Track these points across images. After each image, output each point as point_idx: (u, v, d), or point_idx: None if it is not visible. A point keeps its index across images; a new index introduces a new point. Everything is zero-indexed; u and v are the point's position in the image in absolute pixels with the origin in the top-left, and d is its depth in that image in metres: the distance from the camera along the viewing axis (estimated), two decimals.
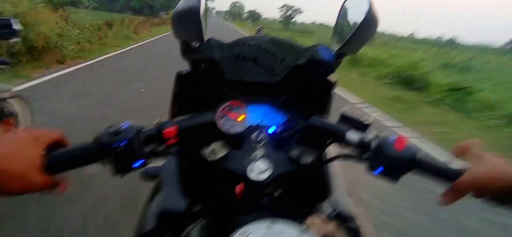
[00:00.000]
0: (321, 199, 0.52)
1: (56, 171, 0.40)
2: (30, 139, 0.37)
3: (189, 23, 0.45)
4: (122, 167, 0.42)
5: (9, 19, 1.47)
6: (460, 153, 0.42)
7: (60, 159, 0.40)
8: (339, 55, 0.51)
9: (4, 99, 1.67)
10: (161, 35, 14.12)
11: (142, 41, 11.05)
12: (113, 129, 0.41)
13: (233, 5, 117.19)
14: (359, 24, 0.43)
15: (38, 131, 0.39)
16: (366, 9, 0.43)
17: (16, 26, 1.47)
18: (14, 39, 1.57)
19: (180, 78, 0.53)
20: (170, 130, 0.43)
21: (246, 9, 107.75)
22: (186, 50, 0.49)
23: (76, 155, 0.42)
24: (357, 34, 0.44)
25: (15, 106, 1.75)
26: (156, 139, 0.44)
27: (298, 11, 70.33)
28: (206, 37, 0.49)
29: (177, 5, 0.45)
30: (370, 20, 0.43)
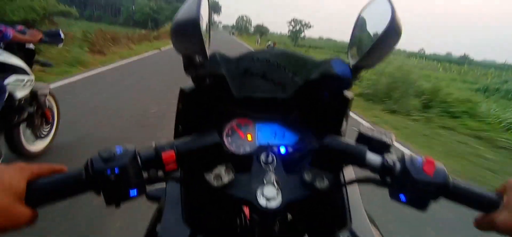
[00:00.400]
0: (339, 228, 0.49)
1: (40, 203, 0.38)
2: (13, 171, 0.37)
3: (189, 36, 0.42)
4: (116, 196, 0.39)
5: (58, 30, 2.29)
6: (503, 189, 0.40)
7: (44, 189, 0.38)
8: (356, 69, 0.49)
9: (45, 95, 2.26)
10: (145, 54, 10.59)
11: (97, 69, 6.48)
12: (105, 154, 0.39)
13: (240, 19, 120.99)
14: (381, 34, 0.41)
15: (21, 164, 0.38)
16: (388, 17, 0.40)
17: (62, 35, 2.27)
18: (61, 45, 2.37)
19: (184, 95, 0.52)
20: (169, 154, 0.41)
21: (253, 23, 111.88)
22: (189, 65, 0.48)
23: (64, 184, 0.39)
24: (378, 46, 0.42)
25: (51, 101, 2.43)
26: (154, 164, 0.41)
27: (307, 25, 71.60)
28: (209, 50, 0.48)
29: (176, 17, 0.43)
30: (393, 29, 0.41)
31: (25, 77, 1.98)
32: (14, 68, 1.89)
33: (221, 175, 0.44)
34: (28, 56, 2.06)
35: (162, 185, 0.57)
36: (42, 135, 2.36)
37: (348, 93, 0.53)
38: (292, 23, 72.63)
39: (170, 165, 0.41)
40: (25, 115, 2.04)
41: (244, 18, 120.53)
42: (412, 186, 0.40)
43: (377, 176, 0.44)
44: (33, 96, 2.12)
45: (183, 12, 0.40)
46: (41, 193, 0.38)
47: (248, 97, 0.53)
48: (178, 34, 0.41)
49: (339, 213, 0.52)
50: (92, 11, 76.52)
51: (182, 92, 0.52)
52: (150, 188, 0.67)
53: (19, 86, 1.93)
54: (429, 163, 0.40)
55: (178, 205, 0.50)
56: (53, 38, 2.22)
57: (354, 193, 0.53)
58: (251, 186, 0.44)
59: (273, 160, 0.49)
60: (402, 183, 0.41)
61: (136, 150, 0.40)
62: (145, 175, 0.40)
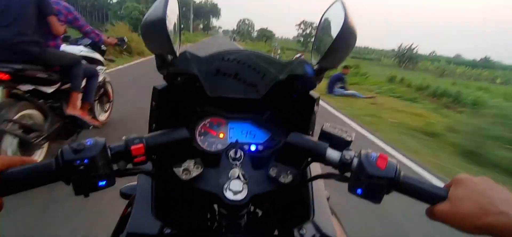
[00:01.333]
0: (302, 221, 0.58)
1: (9, 191, 0.45)
2: None
3: (156, 35, 0.50)
4: (85, 186, 0.46)
5: (124, 37, 3.70)
6: (450, 184, 0.49)
7: (15, 178, 0.45)
8: (319, 69, 0.59)
9: (107, 80, 3.66)
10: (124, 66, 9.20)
11: None
12: (75, 145, 0.46)
13: (241, 22, 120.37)
14: (335, 38, 0.50)
15: None
16: (341, 22, 0.49)
17: (126, 39, 3.75)
18: (125, 46, 3.80)
19: (157, 93, 0.62)
20: (138, 147, 0.49)
21: (256, 27, 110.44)
22: (161, 64, 0.58)
23: (34, 173, 0.46)
24: (334, 48, 0.52)
25: (108, 85, 3.74)
26: (124, 156, 0.49)
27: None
28: (179, 50, 0.58)
29: (145, 16, 0.51)
30: (346, 33, 0.50)
31: (103, 68, 3.46)
32: (98, 61, 3.34)
33: (190, 169, 0.53)
34: (102, 53, 3.45)
35: (134, 181, 0.67)
36: (105, 110, 3.73)
37: (314, 93, 0.63)
38: (302, 26, 72.63)
39: (139, 157, 0.49)
40: (100, 93, 3.46)
41: (246, 21, 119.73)
42: (366, 180, 0.48)
43: (337, 171, 0.53)
44: (102, 80, 3.45)
45: (150, 12, 0.50)
46: (11, 182, 0.45)
47: (221, 97, 0.63)
48: (146, 34, 0.51)
49: (303, 207, 0.61)
50: None
51: (155, 90, 0.62)
52: (123, 186, 0.78)
53: (101, 73, 3.32)
54: (382, 158, 0.49)
55: (148, 199, 0.59)
56: (121, 42, 3.63)
57: (318, 187, 0.63)
58: (218, 180, 0.53)
59: (241, 156, 0.57)
60: (359, 178, 0.49)
61: (106, 142, 0.48)
62: (115, 167, 0.49)
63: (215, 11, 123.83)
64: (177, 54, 0.56)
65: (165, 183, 0.60)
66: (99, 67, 3.30)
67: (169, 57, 0.57)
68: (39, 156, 2.41)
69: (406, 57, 44.04)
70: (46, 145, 2.48)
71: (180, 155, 0.54)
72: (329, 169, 0.55)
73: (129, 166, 0.51)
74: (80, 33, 3.11)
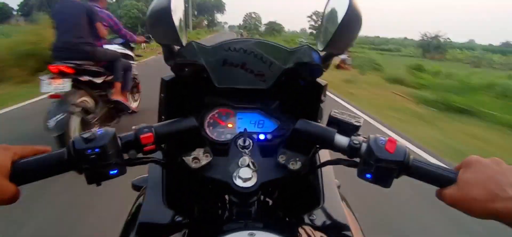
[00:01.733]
0: (312, 208, 0.62)
1: (24, 181, 0.49)
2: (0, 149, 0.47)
3: (161, 25, 0.54)
4: (97, 175, 0.50)
5: (149, 34, 4.18)
6: (460, 166, 0.51)
7: (29, 168, 0.49)
8: (326, 56, 0.63)
9: (136, 73, 4.36)
10: None
11: None
12: (86, 135, 0.50)
13: (248, 16, 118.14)
14: (340, 23, 0.53)
15: (5, 145, 0.49)
16: (346, 7, 0.52)
17: (151, 36, 3.61)
18: (152, 42, 5.18)
19: (165, 85, 0.67)
20: (147, 136, 0.53)
21: (264, 20, 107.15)
22: (168, 55, 0.62)
23: (47, 163, 0.50)
24: (339, 34, 0.55)
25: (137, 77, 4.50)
26: (134, 146, 0.54)
27: None
28: (185, 40, 0.62)
29: (150, 7, 0.55)
30: (351, 18, 0.53)
31: (134, 62, 4.21)
32: (130, 56, 4.09)
33: (199, 158, 0.57)
34: (131, 50, 4.22)
35: (145, 173, 0.72)
36: (135, 99, 4.49)
37: (321, 81, 0.67)
38: (313, 17, 71.89)
39: (148, 146, 0.54)
40: (132, 85, 4.10)
41: (253, 15, 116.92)
42: (375, 164, 0.52)
43: (346, 157, 0.57)
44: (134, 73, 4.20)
45: (155, 2, 0.53)
46: (25, 172, 0.49)
47: (230, 87, 0.68)
48: (152, 23, 0.55)
49: (313, 193, 0.65)
50: None
51: (163, 82, 0.66)
52: (135, 178, 0.83)
53: (133, 67, 4.09)
54: (390, 142, 0.52)
55: (159, 189, 0.64)
56: (148, 39, 4.44)
57: (328, 174, 0.67)
58: (228, 168, 0.56)
59: (250, 144, 0.62)
60: (368, 163, 0.53)
61: (115, 132, 0.53)
62: (125, 157, 0.53)
63: (219, 6, 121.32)
64: (184, 44, 0.61)
65: (175, 173, 0.65)
66: (131, 62, 4.09)
67: (176, 47, 0.61)
68: None
69: (432, 46, 40.68)
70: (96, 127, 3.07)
71: (189, 144, 0.58)
72: (338, 156, 0.58)
73: (140, 155, 0.55)
74: (118, 35, 4.03)
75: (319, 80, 0.68)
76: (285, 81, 0.67)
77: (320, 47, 0.64)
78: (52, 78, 2.88)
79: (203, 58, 0.65)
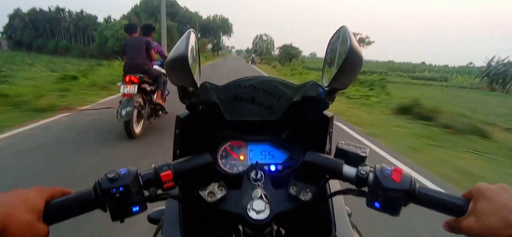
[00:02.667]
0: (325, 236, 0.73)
1: (55, 220, 0.59)
2: (34, 192, 0.58)
3: (179, 71, 0.66)
4: (120, 212, 0.62)
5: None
6: (469, 194, 0.61)
7: (59, 208, 0.60)
8: (331, 91, 0.77)
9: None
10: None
11: None
12: (111, 175, 0.61)
13: (258, 39, 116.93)
14: (342, 62, 0.65)
15: (39, 186, 0.60)
16: (347, 46, 0.64)
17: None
18: None
19: (180, 121, 0.81)
20: (166, 173, 0.66)
21: (276, 42, 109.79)
22: (183, 95, 0.76)
23: (74, 203, 0.61)
24: (342, 71, 0.67)
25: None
26: (154, 183, 0.66)
27: (365, 40, 68.12)
28: (199, 80, 0.77)
29: (169, 54, 0.67)
30: (352, 57, 0.64)
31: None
32: (165, 74, 6.22)
33: (214, 192, 0.69)
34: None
35: (162, 206, 0.86)
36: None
37: (328, 113, 0.82)
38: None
39: (168, 183, 0.66)
40: (166, 94, 6.57)
41: (264, 37, 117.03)
42: (383, 193, 0.63)
43: (354, 187, 0.68)
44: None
45: (174, 50, 0.67)
46: (56, 212, 0.60)
47: (240, 120, 0.82)
48: (170, 70, 0.69)
49: (325, 223, 0.77)
50: (59, 39, 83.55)
51: (178, 119, 0.81)
52: (151, 210, 0.98)
53: (167, 82, 6.47)
54: (396, 171, 0.64)
55: (177, 222, 0.77)
56: None
57: (339, 203, 0.80)
58: (241, 201, 0.68)
59: (262, 177, 0.74)
60: (376, 192, 0.64)
61: (137, 171, 0.65)
62: (146, 193, 0.66)
63: (226, 28, 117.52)
64: (198, 84, 0.76)
65: (192, 206, 0.78)
66: (166, 78, 6.29)
67: (191, 88, 0.76)
68: (139, 127, 5.42)
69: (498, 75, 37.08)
70: (142, 122, 5.50)
71: (204, 179, 0.71)
72: (348, 185, 0.70)
73: (159, 191, 0.67)
74: (161, 56, 6.76)
75: (326, 112, 0.82)
76: (293, 114, 0.82)
77: (325, 82, 0.78)
78: (126, 84, 5.18)
79: (215, 95, 0.79)
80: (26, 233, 0.54)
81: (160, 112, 6.23)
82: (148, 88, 5.72)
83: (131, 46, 5.72)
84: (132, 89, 5.15)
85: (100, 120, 6.57)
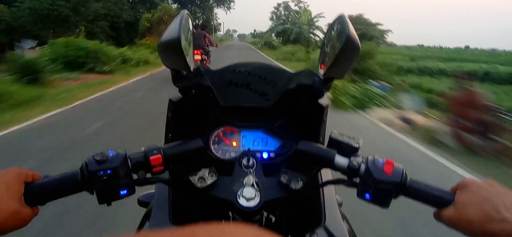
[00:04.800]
0: (314, 226, 0.73)
1: (39, 202, 0.59)
2: (11, 175, 0.56)
3: (172, 54, 0.65)
4: (107, 195, 0.62)
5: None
6: (456, 188, 0.62)
7: (43, 189, 0.59)
8: (327, 79, 0.75)
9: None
10: None
11: None
12: (98, 157, 0.60)
13: (284, 6, 61.09)
14: (339, 51, 0.64)
15: (16, 168, 0.58)
16: (345, 35, 0.63)
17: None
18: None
19: (173, 105, 0.79)
20: (156, 157, 0.65)
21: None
22: (176, 78, 0.75)
23: (61, 184, 0.61)
24: (339, 60, 0.66)
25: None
26: (143, 166, 0.65)
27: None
28: (192, 64, 0.74)
29: (162, 36, 0.66)
30: (349, 46, 0.63)
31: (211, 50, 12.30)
32: (209, 50, 11.67)
33: (205, 177, 0.68)
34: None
35: (151, 189, 0.86)
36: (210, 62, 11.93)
37: (323, 102, 0.80)
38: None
39: (157, 167, 0.66)
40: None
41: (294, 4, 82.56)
42: (374, 185, 0.63)
43: (345, 177, 0.68)
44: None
45: (167, 33, 0.65)
46: (39, 193, 0.59)
47: (234, 106, 0.81)
48: (162, 52, 0.67)
49: (315, 212, 0.77)
50: None
51: (171, 102, 0.79)
52: (140, 194, 0.99)
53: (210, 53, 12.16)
54: (388, 164, 0.64)
55: (166, 206, 0.76)
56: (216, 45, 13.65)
57: (329, 193, 0.79)
58: (232, 188, 0.68)
59: (254, 164, 0.73)
60: (367, 183, 0.64)
61: (126, 153, 0.64)
62: (135, 177, 0.65)
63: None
64: (191, 68, 0.74)
65: (181, 191, 0.77)
66: (210, 52, 11.18)
67: (183, 71, 0.74)
68: None
69: None
70: None
71: (195, 164, 0.70)
72: (340, 175, 0.70)
73: (148, 175, 0.67)
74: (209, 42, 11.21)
75: (320, 101, 0.80)
76: (288, 101, 0.80)
77: (321, 71, 0.77)
78: (196, 56, 8.19)
79: (209, 80, 0.78)
80: (13, 221, 0.54)
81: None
82: (204, 57, 10.41)
83: (196, 36, 10.26)
84: (198, 56, 9.77)
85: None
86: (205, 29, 11.61)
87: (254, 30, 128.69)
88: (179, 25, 0.63)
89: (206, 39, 10.95)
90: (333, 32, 0.76)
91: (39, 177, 0.62)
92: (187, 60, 0.67)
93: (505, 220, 0.53)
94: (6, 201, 0.54)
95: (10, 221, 0.54)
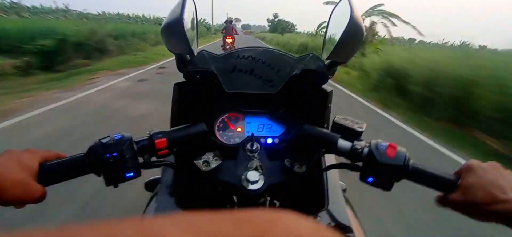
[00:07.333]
0: (317, 210, 0.73)
1: (50, 182, 0.60)
2: (28, 153, 0.60)
3: (175, 37, 0.65)
4: (114, 178, 0.63)
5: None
6: (460, 171, 0.62)
7: (53, 170, 0.61)
8: (331, 64, 0.75)
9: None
10: None
11: None
12: (105, 141, 0.62)
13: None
14: (342, 34, 0.64)
15: (33, 149, 0.61)
16: (348, 18, 0.63)
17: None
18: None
19: (178, 89, 0.80)
20: (161, 141, 0.66)
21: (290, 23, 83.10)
22: (180, 63, 0.75)
23: (69, 166, 0.62)
24: (342, 43, 0.66)
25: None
26: (148, 150, 0.66)
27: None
28: (196, 48, 0.75)
29: (165, 19, 0.67)
30: (353, 29, 0.64)
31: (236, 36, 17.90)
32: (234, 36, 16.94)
33: (209, 161, 0.69)
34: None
35: (158, 174, 0.87)
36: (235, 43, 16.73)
37: (327, 87, 0.80)
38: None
39: (162, 150, 0.66)
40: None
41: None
42: (377, 168, 0.63)
43: (349, 161, 0.68)
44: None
45: (169, 15, 0.66)
46: (50, 174, 0.61)
47: (238, 92, 0.81)
48: (165, 36, 0.67)
49: (319, 196, 0.77)
50: None
51: (176, 87, 0.80)
52: (147, 178, 1.00)
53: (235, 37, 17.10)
54: (391, 147, 0.64)
55: (171, 190, 0.77)
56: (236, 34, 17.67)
57: (333, 178, 0.80)
58: (236, 171, 0.68)
59: (258, 148, 0.73)
60: (369, 167, 0.64)
61: (132, 137, 0.65)
62: (140, 160, 0.66)
63: None
64: (195, 53, 0.74)
65: (186, 175, 0.78)
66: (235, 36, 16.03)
67: (188, 56, 0.75)
68: None
69: None
70: None
71: (200, 148, 0.71)
72: (344, 160, 0.70)
73: (154, 159, 0.68)
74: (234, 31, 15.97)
75: (325, 86, 0.80)
76: (292, 87, 0.80)
77: (324, 55, 0.77)
78: (226, 39, 15.42)
79: (213, 65, 0.78)
80: (21, 192, 0.56)
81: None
82: (232, 39, 14.90)
83: (227, 27, 15.49)
84: (231, 41, 14.83)
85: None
86: (231, 23, 16.93)
87: (275, 15, 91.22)
88: (181, 8, 0.64)
89: (233, 29, 16.20)
90: (336, 16, 0.75)
91: (53, 157, 0.64)
92: (191, 44, 0.67)
93: (509, 200, 0.54)
94: (16, 172, 0.56)
95: (18, 190, 0.55)
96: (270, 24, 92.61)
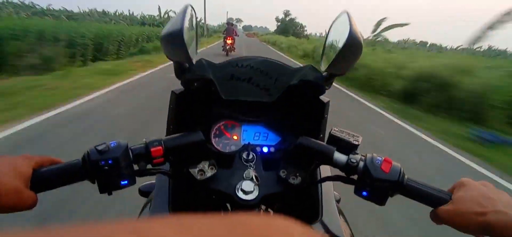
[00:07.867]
0: (312, 221, 0.73)
1: (43, 188, 0.60)
2: (21, 159, 0.58)
3: (174, 46, 0.65)
4: (108, 185, 0.63)
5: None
6: (453, 188, 0.63)
7: (47, 177, 0.60)
8: (329, 76, 0.75)
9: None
10: None
11: None
12: (100, 147, 0.61)
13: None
14: (341, 48, 0.64)
15: (27, 154, 0.60)
16: (347, 32, 0.64)
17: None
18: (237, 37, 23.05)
19: (175, 97, 0.80)
20: (157, 149, 0.66)
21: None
22: (178, 70, 0.75)
23: (63, 173, 0.61)
24: (341, 56, 0.66)
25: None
26: (144, 158, 0.66)
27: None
28: (196, 57, 0.75)
29: (165, 27, 0.66)
30: (351, 43, 0.63)
31: (237, 37, 22.35)
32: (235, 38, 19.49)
33: (205, 170, 0.69)
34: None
35: (152, 179, 0.88)
36: (234, 47, 19.57)
37: (324, 98, 0.80)
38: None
39: (158, 158, 0.66)
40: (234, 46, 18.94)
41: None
42: (371, 183, 0.64)
43: (344, 174, 0.69)
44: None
45: (169, 25, 0.65)
46: (44, 180, 0.60)
47: (235, 100, 0.81)
48: (165, 44, 0.67)
49: (313, 207, 0.78)
50: None
51: (173, 94, 0.80)
52: (142, 184, 1.00)
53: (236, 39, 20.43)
54: (386, 162, 0.64)
55: (165, 197, 0.77)
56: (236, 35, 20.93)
57: (328, 189, 0.80)
58: (231, 181, 0.68)
59: (254, 158, 0.73)
60: (364, 181, 0.65)
61: (128, 144, 0.65)
62: (136, 167, 0.65)
63: None
64: (194, 61, 0.74)
65: (181, 183, 0.78)
66: (236, 38, 19.07)
67: (186, 64, 0.74)
68: (231, 53, 18.29)
69: None
70: (232, 52, 18.32)
71: (195, 157, 0.71)
72: (338, 172, 0.70)
73: (149, 166, 0.67)
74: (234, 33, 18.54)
75: (322, 97, 0.80)
76: (290, 97, 0.80)
77: (323, 67, 0.77)
78: (226, 40, 17.69)
79: (211, 73, 0.78)
80: (14, 199, 0.55)
81: (233, 51, 17.47)
82: (232, 41, 17.03)
83: (228, 29, 17.86)
84: (231, 42, 17.24)
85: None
86: (232, 24, 19.20)
87: (287, 12, 72.18)
88: (182, 18, 0.64)
89: (234, 31, 18.21)
90: (336, 29, 0.75)
91: (48, 163, 0.63)
92: (189, 52, 0.67)
93: (500, 211, 0.55)
94: (10, 179, 0.55)
95: (11, 198, 0.54)
96: (279, 23, 74.30)
